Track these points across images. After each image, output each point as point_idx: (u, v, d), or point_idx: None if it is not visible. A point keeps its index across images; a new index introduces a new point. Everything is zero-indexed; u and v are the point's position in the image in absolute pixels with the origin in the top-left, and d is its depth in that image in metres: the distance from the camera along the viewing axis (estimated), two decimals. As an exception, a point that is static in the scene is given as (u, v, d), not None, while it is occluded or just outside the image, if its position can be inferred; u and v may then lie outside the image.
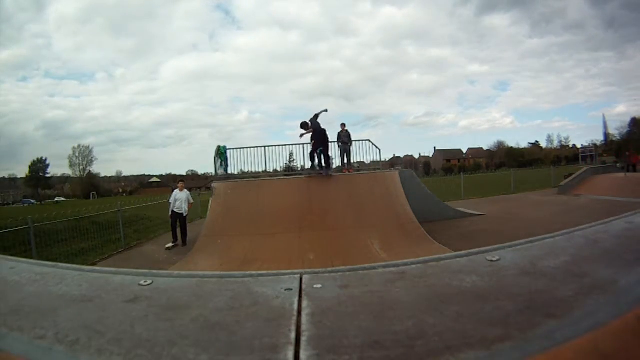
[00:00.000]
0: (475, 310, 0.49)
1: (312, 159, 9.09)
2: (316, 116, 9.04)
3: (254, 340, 0.41)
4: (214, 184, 9.24)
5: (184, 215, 8.68)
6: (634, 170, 16.28)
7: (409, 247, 6.85)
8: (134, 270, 0.81)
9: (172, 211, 8.67)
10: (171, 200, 8.79)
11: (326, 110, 9.34)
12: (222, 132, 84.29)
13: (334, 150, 10.84)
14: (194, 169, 67.84)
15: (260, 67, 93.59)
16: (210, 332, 0.44)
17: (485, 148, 67.09)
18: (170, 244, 8.54)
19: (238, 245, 7.25)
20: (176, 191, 8.87)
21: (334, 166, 10.92)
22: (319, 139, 8.73)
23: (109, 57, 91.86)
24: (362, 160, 11.68)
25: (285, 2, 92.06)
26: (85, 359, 0.39)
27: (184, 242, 8.57)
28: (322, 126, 8.96)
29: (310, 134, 8.86)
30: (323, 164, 8.92)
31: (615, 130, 56.35)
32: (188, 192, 9.10)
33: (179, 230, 8.66)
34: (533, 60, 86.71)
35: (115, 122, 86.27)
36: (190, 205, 8.87)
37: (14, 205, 46.08)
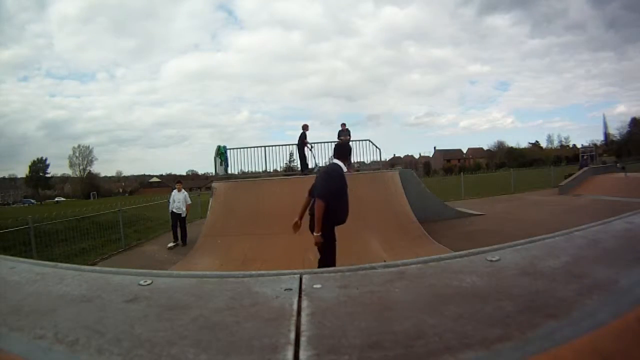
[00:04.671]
0: (475, 311, 0.49)
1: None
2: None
3: (253, 340, 0.41)
4: (214, 184, 9.24)
5: (183, 216, 8.72)
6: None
7: (409, 247, 6.85)
8: (134, 270, 0.81)
9: (172, 211, 8.74)
10: (170, 200, 8.85)
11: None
12: (223, 132, 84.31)
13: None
14: (195, 169, 67.91)
15: (262, 67, 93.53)
16: (210, 332, 0.44)
17: (485, 148, 67.10)
18: (172, 244, 8.61)
19: (238, 245, 7.25)
20: (174, 191, 8.92)
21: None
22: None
23: (110, 57, 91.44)
24: (362, 160, 11.68)
25: (287, 2, 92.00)
26: (85, 358, 0.39)
27: (184, 242, 8.62)
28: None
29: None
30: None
31: (616, 130, 56.38)
32: (186, 193, 9.11)
33: (179, 230, 8.72)
34: (534, 60, 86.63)
35: (116, 122, 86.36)
36: (187, 206, 8.87)
37: (14, 205, 46.13)
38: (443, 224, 9.30)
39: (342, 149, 3.87)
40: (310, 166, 10.14)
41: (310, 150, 10.31)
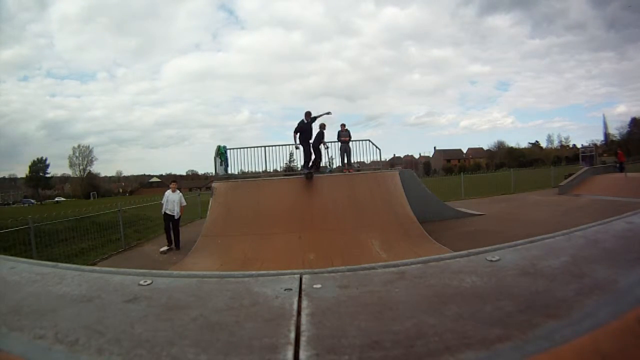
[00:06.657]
0: (475, 311, 0.49)
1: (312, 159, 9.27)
2: (313, 119, 9.12)
3: (253, 340, 0.41)
4: (214, 184, 9.22)
5: (176, 218, 8.32)
6: (622, 169, 16.55)
7: (409, 247, 6.85)
8: (134, 270, 0.81)
9: (165, 213, 8.34)
10: (163, 201, 8.45)
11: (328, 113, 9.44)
12: (224, 132, 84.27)
13: (334, 151, 10.87)
14: (195, 169, 68.05)
15: (263, 67, 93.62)
16: (210, 332, 0.44)
17: (485, 148, 67.14)
18: (165, 247, 8.27)
19: (238, 245, 7.24)
20: (168, 192, 8.45)
21: (334, 166, 10.93)
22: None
23: (111, 57, 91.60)
24: (362, 160, 11.68)
25: (288, 2, 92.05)
26: (85, 359, 0.39)
27: (177, 246, 8.25)
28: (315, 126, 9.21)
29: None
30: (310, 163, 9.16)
31: (616, 130, 56.42)
32: (181, 194, 8.66)
33: (172, 233, 8.36)
34: (534, 60, 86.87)
35: (116, 122, 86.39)
36: (182, 208, 8.42)
37: (14, 205, 46.14)
38: (443, 224, 9.31)
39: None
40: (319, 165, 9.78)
41: (327, 149, 9.87)
